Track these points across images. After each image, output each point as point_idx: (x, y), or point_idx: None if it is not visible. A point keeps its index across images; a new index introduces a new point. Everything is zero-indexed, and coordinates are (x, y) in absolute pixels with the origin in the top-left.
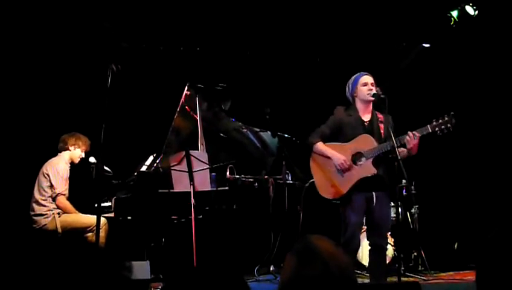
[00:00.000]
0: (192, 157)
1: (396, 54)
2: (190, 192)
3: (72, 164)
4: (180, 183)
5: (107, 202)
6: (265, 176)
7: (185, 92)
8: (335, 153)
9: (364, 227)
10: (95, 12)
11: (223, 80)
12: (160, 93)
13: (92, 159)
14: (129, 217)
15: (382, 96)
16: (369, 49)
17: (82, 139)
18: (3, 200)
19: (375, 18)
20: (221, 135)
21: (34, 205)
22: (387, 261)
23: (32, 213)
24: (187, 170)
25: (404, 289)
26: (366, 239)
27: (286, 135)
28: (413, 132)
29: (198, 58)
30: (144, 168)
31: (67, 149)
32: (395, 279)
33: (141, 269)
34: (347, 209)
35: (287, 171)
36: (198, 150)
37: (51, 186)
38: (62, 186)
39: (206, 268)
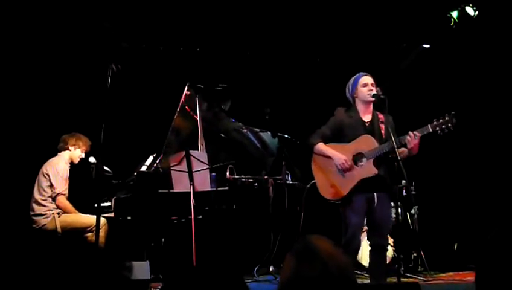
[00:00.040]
0: (192, 158)
1: (397, 54)
2: (190, 192)
3: (71, 164)
4: (180, 183)
5: (107, 202)
6: (265, 177)
7: (185, 92)
8: (336, 153)
9: (365, 227)
10: (95, 12)
11: (223, 80)
12: (160, 93)
13: (92, 159)
14: (129, 217)
15: (382, 96)
16: (369, 49)
17: (82, 140)
18: (3, 200)
19: (375, 19)
20: (221, 135)
21: (34, 205)
22: (387, 262)
23: (32, 213)
24: (187, 170)
25: None
26: (365, 239)
27: (286, 136)
28: (414, 132)
29: (198, 58)
30: (143, 168)
31: (67, 149)
32: (394, 279)
33: (141, 269)
34: (348, 210)
35: (287, 172)
36: (198, 150)
37: (51, 186)
38: (62, 186)
39: (206, 268)
